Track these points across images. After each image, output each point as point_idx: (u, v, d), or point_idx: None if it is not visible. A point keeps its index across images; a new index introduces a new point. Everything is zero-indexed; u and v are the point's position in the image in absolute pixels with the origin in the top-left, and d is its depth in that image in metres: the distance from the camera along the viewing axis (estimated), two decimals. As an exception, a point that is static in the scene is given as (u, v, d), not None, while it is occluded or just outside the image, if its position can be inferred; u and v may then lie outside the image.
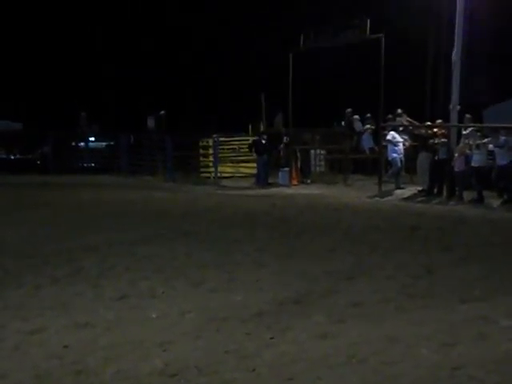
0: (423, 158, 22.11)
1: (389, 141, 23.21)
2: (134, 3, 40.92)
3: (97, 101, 38.24)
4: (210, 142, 29.04)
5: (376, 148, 25.31)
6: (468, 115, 22.99)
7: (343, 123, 28.97)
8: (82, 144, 35.54)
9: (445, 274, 10.63)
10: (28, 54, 40.26)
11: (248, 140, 28.35)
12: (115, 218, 17.29)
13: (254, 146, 26.57)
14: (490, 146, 20.22)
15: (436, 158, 21.26)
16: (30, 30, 40.16)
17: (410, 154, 23.74)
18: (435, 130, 22.12)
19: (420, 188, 21.96)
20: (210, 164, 29.05)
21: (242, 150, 29.01)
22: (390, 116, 25.72)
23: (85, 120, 34.92)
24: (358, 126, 28.07)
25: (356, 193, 22.59)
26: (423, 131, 23.46)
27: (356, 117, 28.35)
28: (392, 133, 23.31)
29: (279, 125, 30.55)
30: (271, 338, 7.58)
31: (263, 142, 26.26)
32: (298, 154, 26.96)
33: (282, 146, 27.68)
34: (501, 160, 19.67)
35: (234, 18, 38.13)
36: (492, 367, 6.62)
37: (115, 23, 40.41)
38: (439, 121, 23.74)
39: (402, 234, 14.65)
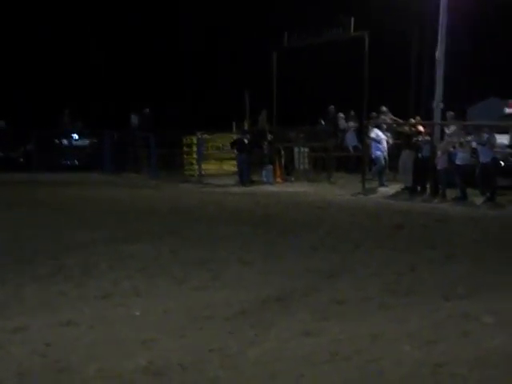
0: (406, 156, 22.21)
1: (372, 138, 23.29)
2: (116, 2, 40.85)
3: (80, 98, 38.11)
4: (194, 140, 29.04)
5: (360, 146, 25.39)
6: (451, 113, 23.08)
7: (323, 122, 29.01)
8: (66, 142, 35.42)
9: (428, 272, 10.66)
10: (10, 52, 40.08)
11: (232, 138, 28.37)
12: (99, 216, 17.25)
13: (236, 145, 26.57)
14: (474, 144, 20.31)
15: (419, 155, 21.34)
16: (12, 28, 39.98)
17: (394, 151, 23.84)
18: (420, 128, 22.17)
19: (403, 186, 22.03)
20: (194, 162, 29.05)
21: (225, 148, 29.02)
22: (373, 114, 25.80)
23: (68, 117, 34.81)
24: (342, 123, 28.14)
25: (340, 190, 22.66)
26: (407, 129, 23.54)
27: (341, 115, 28.42)
28: (375, 130, 23.41)
29: (263, 122, 30.58)
30: (254, 336, 7.58)
31: (245, 140, 26.21)
32: (282, 152, 27.01)
33: (266, 143, 27.72)
34: (484, 158, 19.76)
35: (218, 17, 38.13)
36: (475, 364, 6.64)
37: (102, 21, 40.30)
38: (418, 118, 23.85)
39: (385, 231, 14.71)
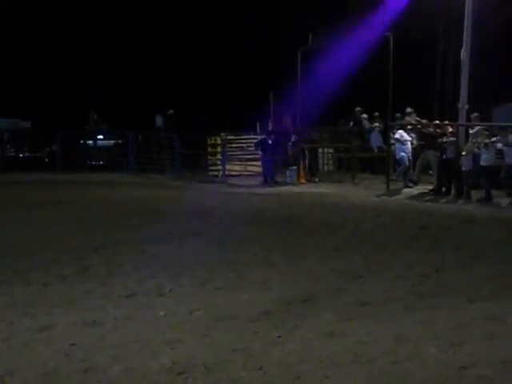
0: (426, 155, 22.29)
1: (397, 139, 23.21)
2: (143, 3, 40.97)
3: (105, 99, 38.28)
4: (218, 140, 29.09)
5: (384, 147, 25.31)
6: (475, 114, 22.93)
7: (351, 124, 28.93)
8: (91, 142, 35.62)
9: (453, 274, 10.62)
10: (37, 52, 40.32)
11: (256, 138, 28.37)
12: (123, 216, 17.30)
13: (261, 145, 26.59)
14: (499, 145, 20.20)
15: (444, 156, 21.25)
16: (39, 29, 40.21)
17: (418, 152, 23.73)
18: (449, 128, 22.05)
19: (430, 187, 21.94)
20: (218, 162, 29.10)
21: (249, 149, 29.02)
22: (398, 115, 25.72)
23: (93, 118, 34.97)
24: (365, 124, 28.08)
25: (364, 191, 22.57)
26: (431, 130, 23.43)
27: (364, 116, 28.35)
28: (400, 131, 23.33)
29: (287, 123, 30.55)
30: (279, 337, 7.57)
31: (270, 141, 26.24)
32: (306, 153, 26.97)
33: (290, 144, 27.70)
34: (509, 159, 19.65)
35: (243, 17, 38.14)
36: (501, 367, 6.60)
37: (125, 22, 40.45)
38: (437, 122, 23.75)
39: (410, 233, 14.63)
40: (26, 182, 26.40)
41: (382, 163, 25.32)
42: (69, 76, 40.18)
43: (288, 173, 26.31)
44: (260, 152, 26.50)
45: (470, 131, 21.97)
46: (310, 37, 25.25)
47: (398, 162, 23.38)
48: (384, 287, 9.74)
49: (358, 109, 28.69)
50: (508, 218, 17.10)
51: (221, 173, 28.26)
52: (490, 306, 8.70)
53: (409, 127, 24.17)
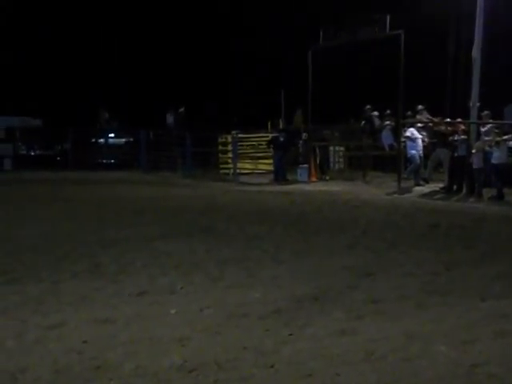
0: (438, 154, 22.25)
1: (408, 137, 23.18)
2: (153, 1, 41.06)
3: (116, 97, 38.36)
4: (229, 139, 29.11)
5: (395, 145, 25.27)
6: (486, 112, 22.88)
7: (363, 122, 28.88)
8: (102, 140, 35.70)
9: (464, 272, 10.59)
10: (48, 51, 40.41)
11: (267, 137, 28.39)
12: (134, 214, 17.34)
13: (272, 143, 26.63)
14: (511, 143, 20.14)
15: (455, 154, 21.21)
16: (50, 28, 40.29)
17: (429, 150, 23.69)
18: (461, 127, 22.01)
19: (442, 185, 21.92)
20: (229, 160, 29.12)
21: (260, 147, 29.04)
22: (409, 113, 25.67)
23: (105, 117, 35.10)
24: (376, 122, 28.06)
25: (375, 189, 22.57)
26: (443, 128, 23.39)
27: (375, 113, 28.32)
28: (411, 129, 23.29)
29: (298, 121, 30.58)
30: (290, 335, 7.57)
31: (281, 139, 26.29)
32: (317, 151, 26.98)
33: (300, 142, 27.71)
34: (522, 157, 19.63)
35: (253, 15, 38.16)
36: None
37: (135, 21, 40.51)
38: (448, 120, 23.70)
39: (421, 231, 14.62)
40: (37, 180, 26.49)
41: (393, 161, 25.29)
42: (80, 74, 40.27)
43: (299, 171, 26.35)
44: (272, 150, 26.55)
45: (481, 129, 21.92)
46: (321, 36, 25.20)
47: (409, 160, 23.36)
48: (395, 285, 9.72)
49: (368, 107, 28.67)
50: (519, 216, 17.06)
51: (232, 171, 28.28)
52: (501, 304, 8.68)
53: (420, 125, 24.12)
